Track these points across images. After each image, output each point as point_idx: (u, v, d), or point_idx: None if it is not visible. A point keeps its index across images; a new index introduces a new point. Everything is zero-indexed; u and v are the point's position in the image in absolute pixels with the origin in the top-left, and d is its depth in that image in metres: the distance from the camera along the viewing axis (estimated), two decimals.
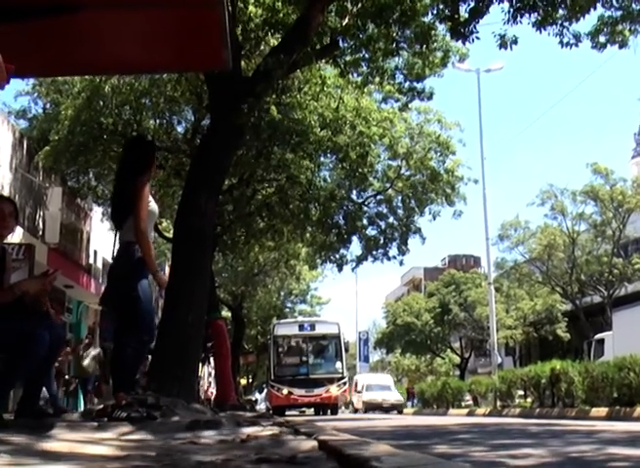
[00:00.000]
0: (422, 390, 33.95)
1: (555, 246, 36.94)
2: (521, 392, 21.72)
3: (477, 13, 10.09)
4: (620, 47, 10.72)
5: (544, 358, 24.99)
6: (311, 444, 3.89)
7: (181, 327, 9.96)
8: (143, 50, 6.00)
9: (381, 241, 21.55)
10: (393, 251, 21.63)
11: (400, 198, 21.57)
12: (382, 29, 11.36)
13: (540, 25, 10.26)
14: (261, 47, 14.77)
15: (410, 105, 17.52)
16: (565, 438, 7.05)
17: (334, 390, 26.62)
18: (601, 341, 25.17)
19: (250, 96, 11.24)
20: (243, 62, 13.27)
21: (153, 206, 5.90)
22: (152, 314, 5.61)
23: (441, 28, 12.06)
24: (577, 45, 10.50)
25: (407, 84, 14.76)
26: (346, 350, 29.88)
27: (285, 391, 26.42)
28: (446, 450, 5.28)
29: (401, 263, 22.12)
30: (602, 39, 10.71)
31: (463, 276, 49.31)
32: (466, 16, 10.13)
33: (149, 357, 10.47)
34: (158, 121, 18.69)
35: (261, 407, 39.42)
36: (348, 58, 13.38)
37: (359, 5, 11.18)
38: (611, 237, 35.85)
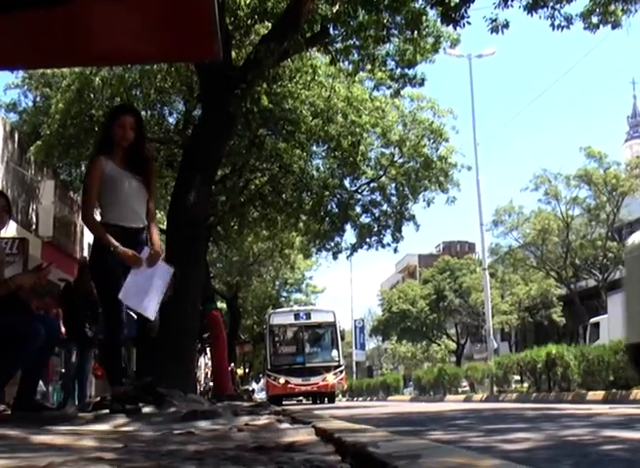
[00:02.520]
0: (419, 377, 34.02)
1: (549, 230, 37.00)
2: (517, 377, 21.77)
3: None
4: (613, 27, 10.72)
5: (540, 343, 25.06)
6: (308, 431, 3.89)
7: (177, 318, 9.95)
8: (133, 41, 5.97)
9: (375, 228, 21.57)
10: (387, 238, 21.68)
11: (394, 185, 21.57)
12: (373, 16, 11.32)
13: (530, 8, 10.24)
14: (251, 36, 14.73)
15: (402, 92, 17.50)
16: (561, 422, 7.08)
17: (330, 378, 26.72)
18: (596, 325, 25.22)
19: (241, 83, 11.23)
20: (233, 52, 13.23)
21: (110, 174, 5.55)
22: (118, 302, 5.40)
23: (432, 14, 12.01)
24: (568, 27, 10.49)
25: (398, 70, 14.75)
26: (342, 338, 29.97)
27: (282, 380, 26.50)
28: (442, 436, 5.29)
29: (395, 250, 22.15)
30: (595, 20, 10.70)
31: (458, 262, 49.45)
32: (457, 0, 10.09)
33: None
34: (149, 112, 18.62)
35: (259, 396, 39.46)
36: (339, 46, 13.35)
37: None
38: (605, 221, 35.92)
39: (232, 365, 24.77)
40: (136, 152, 5.63)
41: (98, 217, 5.78)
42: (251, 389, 42.59)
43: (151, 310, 5.47)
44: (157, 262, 5.51)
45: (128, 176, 5.55)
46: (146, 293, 5.41)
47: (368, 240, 21.74)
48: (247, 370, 57.53)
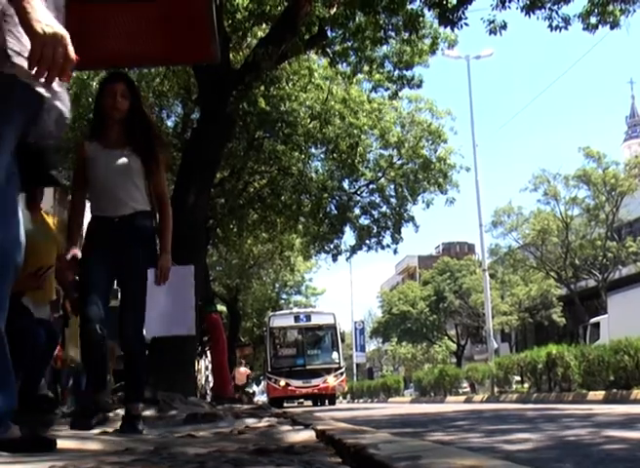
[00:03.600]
0: (420, 378, 34.01)
1: (549, 231, 36.97)
2: (518, 378, 21.77)
3: None
4: (612, 27, 10.69)
5: (540, 343, 25.08)
6: (309, 433, 3.89)
7: None
8: (132, 44, 5.98)
9: (375, 230, 21.61)
10: (387, 239, 21.72)
11: (392, 187, 21.60)
12: (371, 18, 11.32)
13: (528, 10, 10.24)
14: (249, 39, 14.75)
15: (400, 94, 17.53)
16: (562, 422, 7.07)
17: (331, 380, 26.72)
18: (596, 325, 25.22)
19: (240, 85, 11.27)
20: (231, 55, 13.25)
21: (90, 158, 4.72)
22: (83, 299, 4.78)
23: (429, 15, 12.02)
24: (566, 28, 10.47)
25: (396, 72, 14.78)
26: (342, 340, 29.99)
27: (282, 383, 26.50)
28: (443, 437, 5.29)
29: (395, 252, 22.17)
30: (593, 20, 10.68)
31: (458, 263, 49.40)
32: (454, 2, 10.07)
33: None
34: None
35: (260, 398, 39.44)
36: (337, 48, 13.36)
37: None
38: (604, 221, 35.87)
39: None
40: (133, 122, 4.75)
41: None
42: (251, 391, 42.63)
43: (188, 325, 5.05)
44: (168, 275, 4.76)
45: (112, 155, 4.68)
46: (174, 312, 4.95)
47: (367, 241, 21.78)
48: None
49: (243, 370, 28.62)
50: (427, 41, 14.16)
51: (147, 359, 4.80)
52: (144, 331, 4.80)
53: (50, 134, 2.74)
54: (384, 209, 21.72)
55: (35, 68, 2.30)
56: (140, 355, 4.80)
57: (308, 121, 18.03)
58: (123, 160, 4.69)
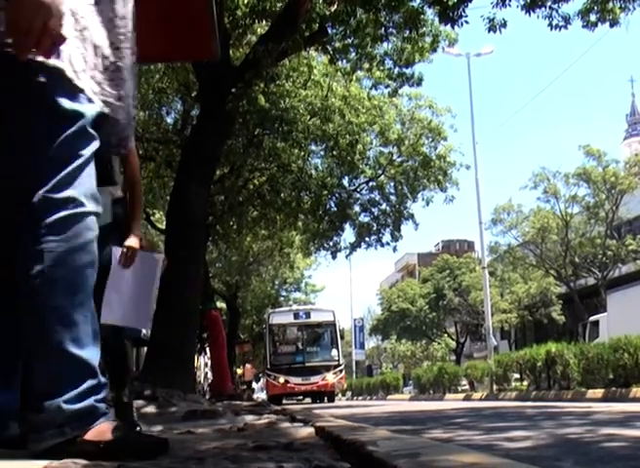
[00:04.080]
0: (419, 375, 34.00)
1: (548, 229, 36.98)
2: (517, 375, 21.78)
3: None
4: (612, 25, 10.67)
5: (540, 341, 25.08)
6: (308, 430, 3.89)
7: (176, 317, 9.95)
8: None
9: (374, 227, 21.59)
10: (386, 237, 21.70)
11: (392, 184, 21.58)
12: (371, 15, 11.32)
13: (528, 8, 10.23)
14: (248, 36, 14.72)
15: (400, 91, 17.52)
16: (561, 420, 7.08)
17: (330, 378, 26.74)
18: (596, 323, 25.25)
19: (239, 82, 11.26)
20: (230, 52, 13.24)
21: None
22: None
23: (430, 13, 12.01)
24: (566, 27, 10.47)
25: (396, 70, 14.76)
26: (342, 337, 29.99)
27: (281, 380, 26.52)
28: (442, 435, 5.30)
29: (394, 249, 22.17)
30: (593, 18, 10.66)
31: (457, 261, 49.39)
32: None
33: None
34: (147, 112, 18.59)
35: (259, 395, 39.43)
36: (337, 45, 13.36)
37: None
38: (604, 219, 35.88)
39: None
40: None
41: None
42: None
43: (146, 319, 4.63)
44: (135, 258, 4.42)
45: None
46: (134, 302, 4.46)
47: (367, 239, 21.76)
48: None
49: (250, 367, 28.82)
50: (428, 39, 14.14)
51: (123, 344, 4.59)
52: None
53: (108, 143, 2.65)
54: (384, 206, 21.71)
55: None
56: (118, 344, 4.62)
57: (308, 118, 18.01)
58: None
